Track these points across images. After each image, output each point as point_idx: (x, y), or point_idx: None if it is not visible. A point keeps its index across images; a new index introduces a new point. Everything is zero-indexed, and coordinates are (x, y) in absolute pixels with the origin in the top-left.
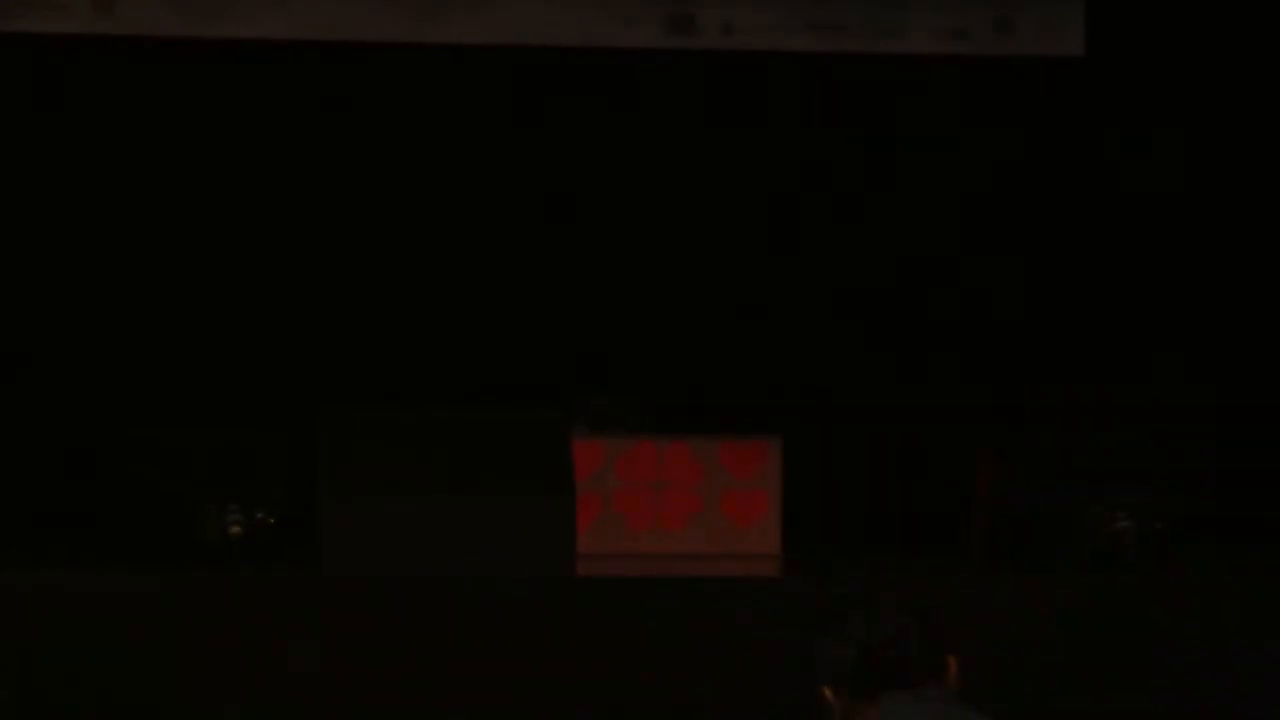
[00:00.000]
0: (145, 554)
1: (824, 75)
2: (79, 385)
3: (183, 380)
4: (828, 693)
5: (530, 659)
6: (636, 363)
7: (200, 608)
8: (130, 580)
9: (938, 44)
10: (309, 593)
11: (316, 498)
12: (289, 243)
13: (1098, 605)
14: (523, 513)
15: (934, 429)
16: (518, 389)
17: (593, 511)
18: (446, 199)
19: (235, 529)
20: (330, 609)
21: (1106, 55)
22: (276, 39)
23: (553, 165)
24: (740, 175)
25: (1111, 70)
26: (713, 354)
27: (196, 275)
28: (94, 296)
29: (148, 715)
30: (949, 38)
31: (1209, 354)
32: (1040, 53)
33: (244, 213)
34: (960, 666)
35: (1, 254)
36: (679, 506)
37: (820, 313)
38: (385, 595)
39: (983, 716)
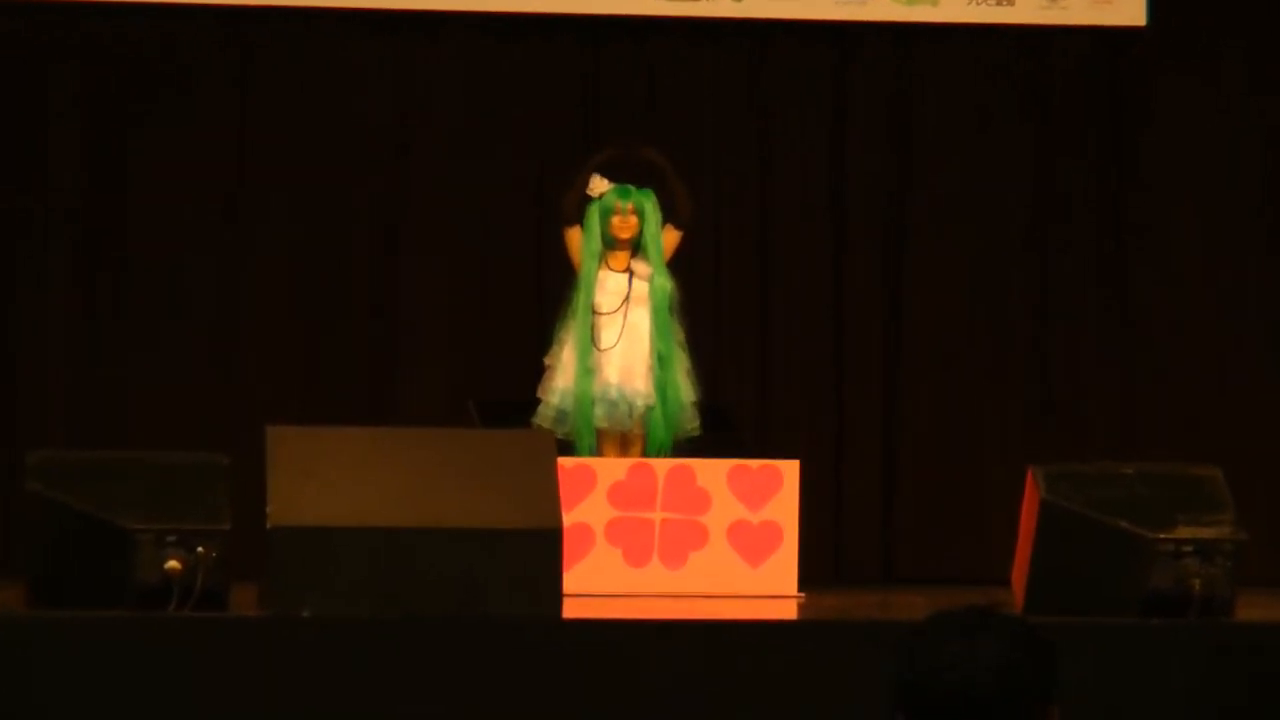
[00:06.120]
0: (71, 591)
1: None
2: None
3: (114, 396)
4: None
5: (510, 711)
6: None
7: (130, 651)
8: (54, 619)
9: (978, 12)
10: (255, 636)
11: (263, 527)
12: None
13: (1158, 651)
14: (499, 545)
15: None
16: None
17: (582, 545)
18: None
19: (173, 564)
20: (278, 653)
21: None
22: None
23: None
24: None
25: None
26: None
27: (134, 272)
28: (18, 302)
29: None
30: (990, 5)
31: None
32: (1094, 23)
33: (182, 211)
34: None
35: None
36: (681, 540)
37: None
38: (340, 638)
39: None
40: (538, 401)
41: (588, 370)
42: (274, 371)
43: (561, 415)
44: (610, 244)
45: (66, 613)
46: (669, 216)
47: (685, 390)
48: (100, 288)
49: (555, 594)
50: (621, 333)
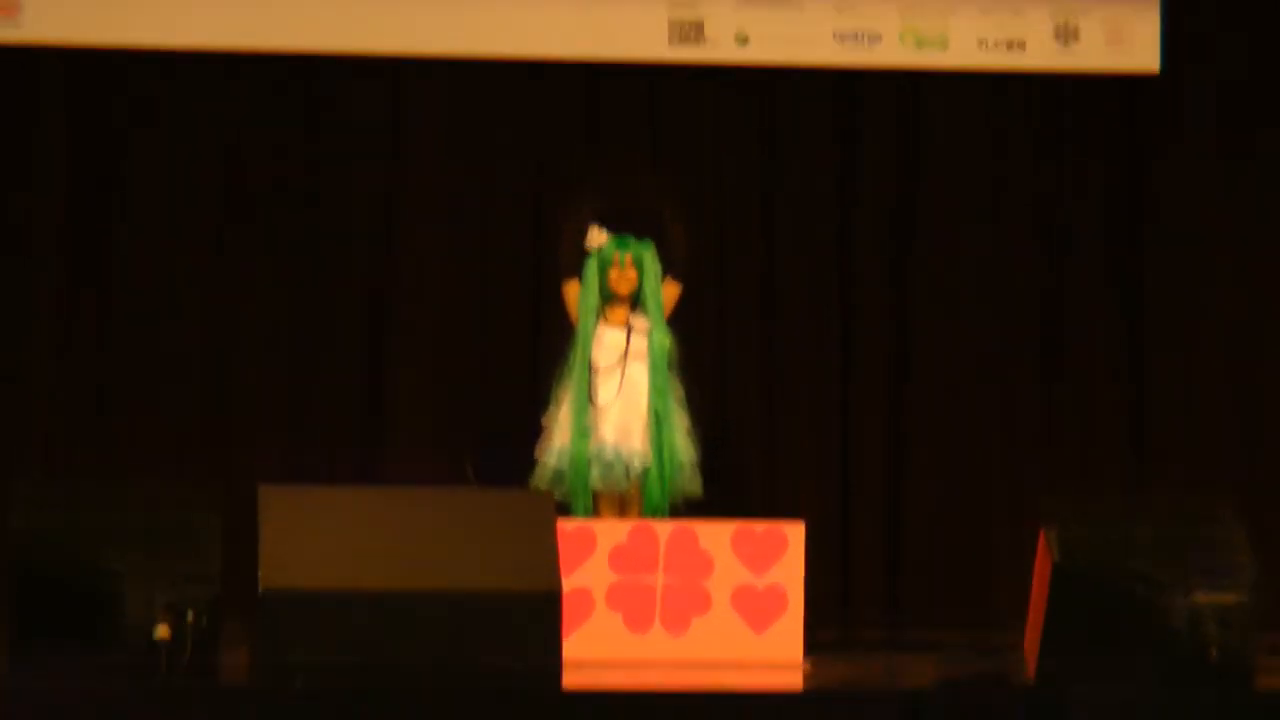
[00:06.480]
0: (56, 656)
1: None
2: None
3: (101, 453)
4: None
5: None
6: None
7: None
8: (37, 685)
9: (989, 57)
10: (245, 704)
11: (255, 589)
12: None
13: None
14: (497, 610)
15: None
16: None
17: (582, 609)
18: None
19: (162, 631)
20: None
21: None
22: (213, 48)
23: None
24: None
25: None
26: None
27: (119, 321)
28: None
29: None
30: (1002, 49)
31: None
32: (1108, 68)
33: (170, 264)
34: None
35: None
36: (684, 605)
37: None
38: (333, 705)
39: None
40: (535, 462)
41: (583, 430)
42: (264, 417)
43: (559, 476)
44: (608, 298)
45: (51, 678)
46: (669, 269)
47: (684, 450)
48: (87, 320)
49: (554, 660)
50: (619, 390)
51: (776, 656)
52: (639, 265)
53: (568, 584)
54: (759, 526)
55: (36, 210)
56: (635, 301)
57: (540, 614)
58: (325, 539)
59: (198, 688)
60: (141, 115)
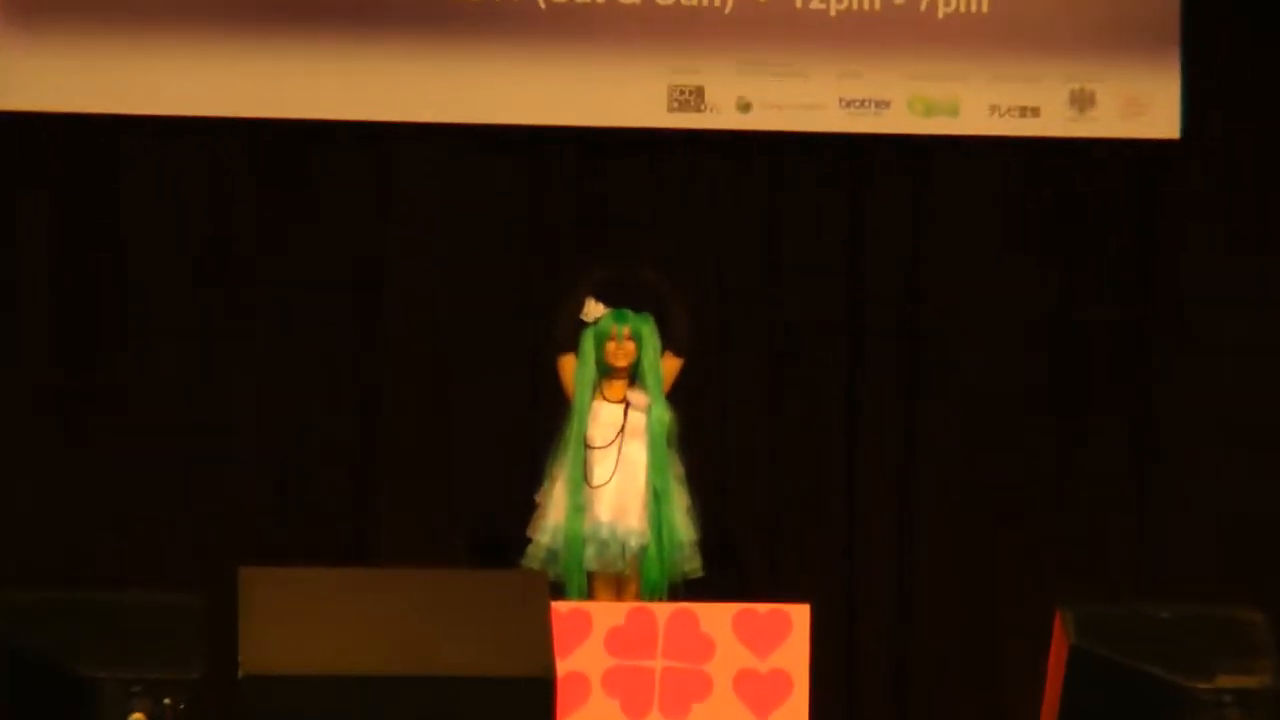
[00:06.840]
0: None
1: None
2: None
3: (76, 533)
4: None
5: None
6: None
7: None
8: None
9: (1001, 124)
10: None
11: (235, 674)
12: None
13: None
14: (488, 695)
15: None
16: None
17: (578, 695)
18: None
19: (138, 717)
20: None
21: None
22: (185, 116)
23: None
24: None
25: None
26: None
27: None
28: None
29: None
30: (1015, 116)
31: None
32: (1126, 135)
33: (153, 336)
34: None
35: None
36: (683, 690)
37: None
38: None
39: None
40: (528, 540)
41: (578, 508)
42: (252, 504)
43: (552, 555)
44: (605, 372)
45: None
46: (669, 343)
47: (683, 528)
48: (70, 416)
49: None
50: (615, 468)
51: None
52: (637, 338)
53: (562, 668)
54: (762, 609)
55: (22, 312)
56: (634, 376)
57: (533, 700)
58: (309, 622)
59: None
60: (126, 198)
